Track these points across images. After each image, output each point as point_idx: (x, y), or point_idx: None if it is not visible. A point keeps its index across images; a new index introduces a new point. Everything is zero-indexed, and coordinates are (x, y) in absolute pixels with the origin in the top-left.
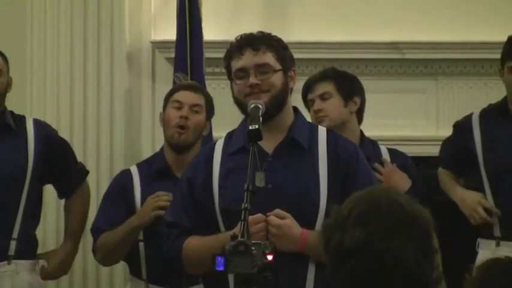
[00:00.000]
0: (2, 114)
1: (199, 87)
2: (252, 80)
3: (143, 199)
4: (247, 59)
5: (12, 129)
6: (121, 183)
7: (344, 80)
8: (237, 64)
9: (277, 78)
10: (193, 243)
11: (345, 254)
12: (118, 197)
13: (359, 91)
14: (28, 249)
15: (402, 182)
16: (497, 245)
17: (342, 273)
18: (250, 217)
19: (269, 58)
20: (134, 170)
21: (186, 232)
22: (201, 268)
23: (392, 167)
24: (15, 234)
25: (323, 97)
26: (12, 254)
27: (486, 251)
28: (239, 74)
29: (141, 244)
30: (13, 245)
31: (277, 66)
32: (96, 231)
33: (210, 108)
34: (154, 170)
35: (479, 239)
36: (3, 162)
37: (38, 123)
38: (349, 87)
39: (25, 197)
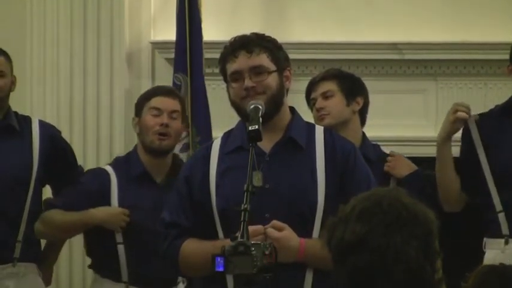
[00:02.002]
0: (6, 115)
1: (175, 92)
2: (247, 83)
3: (120, 203)
4: (241, 62)
5: (16, 131)
6: (101, 183)
7: (347, 79)
8: (231, 67)
9: (272, 80)
10: (191, 247)
11: (345, 249)
12: (91, 196)
13: (362, 91)
14: (32, 251)
15: (405, 168)
16: (506, 243)
17: (342, 268)
18: (250, 228)
19: (263, 60)
20: (111, 171)
21: (185, 232)
22: (196, 272)
23: (397, 155)
24: (20, 236)
25: (325, 95)
26: (17, 256)
27: (494, 250)
28: (234, 77)
29: (121, 247)
30: (18, 247)
31: (272, 67)
32: (50, 205)
33: (184, 112)
34: (133, 175)
35: (485, 239)
36: (8, 164)
37: (43, 124)
38: (352, 86)
39: (30, 198)
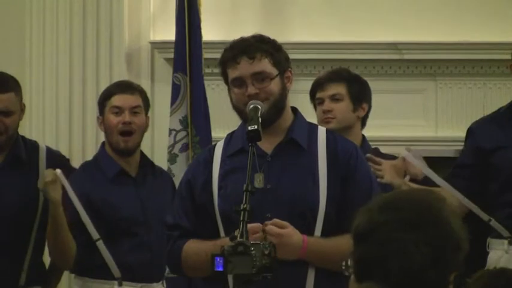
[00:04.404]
0: (14, 144)
1: (134, 86)
2: (250, 90)
3: (107, 206)
4: (243, 68)
5: (24, 161)
6: (80, 193)
7: (356, 84)
8: (233, 73)
9: (275, 85)
10: (193, 247)
11: (358, 236)
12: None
13: (368, 98)
14: (38, 276)
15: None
16: (510, 244)
17: (353, 255)
18: (248, 226)
19: (265, 65)
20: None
21: (187, 233)
22: (199, 272)
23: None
24: (25, 265)
25: (334, 98)
26: (22, 284)
27: (498, 251)
28: (236, 83)
29: (99, 243)
30: (23, 276)
31: (274, 72)
32: None
33: (147, 104)
34: (110, 176)
35: (489, 239)
36: (14, 196)
37: (51, 152)
38: (360, 92)
39: (36, 228)
